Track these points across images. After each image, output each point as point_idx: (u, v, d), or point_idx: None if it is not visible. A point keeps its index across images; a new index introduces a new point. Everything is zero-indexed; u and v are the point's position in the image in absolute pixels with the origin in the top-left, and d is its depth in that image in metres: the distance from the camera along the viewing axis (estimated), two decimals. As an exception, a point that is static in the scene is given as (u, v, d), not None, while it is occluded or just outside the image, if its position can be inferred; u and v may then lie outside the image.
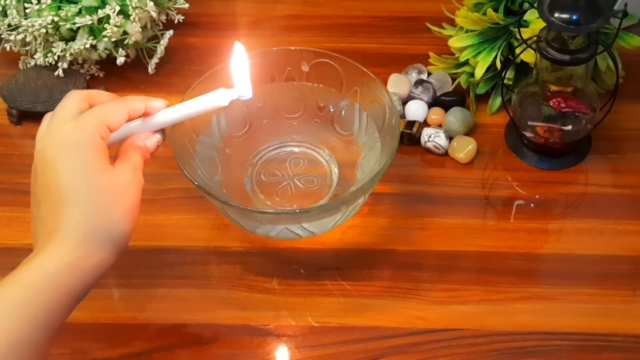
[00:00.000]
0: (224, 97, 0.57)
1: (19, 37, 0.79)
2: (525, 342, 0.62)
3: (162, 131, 0.57)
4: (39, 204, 0.51)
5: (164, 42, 0.83)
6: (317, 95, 0.72)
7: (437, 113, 0.78)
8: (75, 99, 0.54)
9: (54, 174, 0.51)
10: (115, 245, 0.51)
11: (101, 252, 0.51)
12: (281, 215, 0.65)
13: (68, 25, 0.78)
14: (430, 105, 0.78)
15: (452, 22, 0.79)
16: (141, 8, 0.79)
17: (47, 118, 0.54)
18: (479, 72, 0.75)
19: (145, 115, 0.56)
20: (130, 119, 0.55)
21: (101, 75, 0.84)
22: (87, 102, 0.54)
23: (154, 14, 0.81)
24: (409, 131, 0.75)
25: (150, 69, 0.83)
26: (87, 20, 0.77)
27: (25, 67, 0.83)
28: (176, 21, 0.86)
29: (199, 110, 0.58)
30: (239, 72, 0.58)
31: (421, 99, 0.78)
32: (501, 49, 0.74)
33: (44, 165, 0.51)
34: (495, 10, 0.74)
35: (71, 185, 0.50)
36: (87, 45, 0.79)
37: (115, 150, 0.56)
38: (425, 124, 0.77)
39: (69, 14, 0.78)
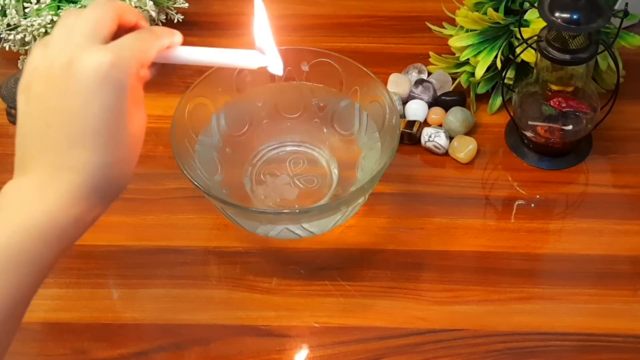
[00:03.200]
0: (254, 60, 0.52)
1: (18, 36, 0.79)
2: (525, 343, 0.62)
3: (160, 65, 0.52)
4: (47, 124, 0.46)
5: (163, 41, 0.83)
6: (317, 95, 0.72)
7: (437, 113, 0.77)
8: (108, 15, 0.47)
9: (81, 107, 0.45)
10: (113, 198, 0.48)
11: (102, 206, 0.47)
12: (281, 215, 0.65)
13: (67, 25, 0.78)
14: (431, 105, 0.78)
15: (452, 22, 0.79)
16: (140, 7, 0.79)
17: (67, 20, 0.48)
18: (480, 72, 0.74)
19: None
20: None
21: (101, 74, 0.83)
22: (118, 22, 0.48)
23: (154, 14, 0.81)
24: (409, 131, 0.75)
25: (150, 68, 0.83)
26: (86, 19, 0.77)
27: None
28: (175, 21, 0.86)
29: (224, 62, 0.53)
30: (265, 38, 0.54)
31: (421, 99, 0.78)
32: (501, 48, 0.74)
33: (68, 88, 0.45)
34: (496, 9, 0.74)
35: (99, 127, 0.45)
36: (87, 45, 0.78)
37: None
38: (425, 123, 0.77)
39: (69, 14, 0.78)
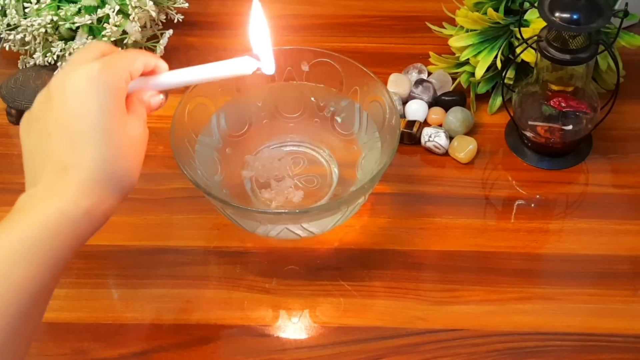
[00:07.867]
0: (247, 66, 0.54)
1: (18, 36, 0.79)
2: (526, 343, 0.62)
3: (165, 93, 0.56)
4: (49, 134, 0.50)
5: (163, 41, 0.83)
6: (317, 95, 0.72)
7: (437, 113, 0.77)
8: (99, 48, 0.53)
9: (77, 109, 0.49)
10: (122, 194, 0.52)
11: (112, 199, 0.51)
12: (281, 215, 0.65)
13: (67, 25, 0.78)
14: (431, 104, 0.78)
15: (452, 22, 0.79)
16: (140, 7, 0.79)
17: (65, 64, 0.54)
18: (480, 72, 0.74)
19: (151, 73, 0.55)
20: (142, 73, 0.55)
21: (101, 74, 0.83)
22: (105, 53, 0.54)
23: (154, 14, 0.81)
24: (409, 131, 0.75)
25: (150, 68, 0.83)
26: (86, 19, 0.77)
27: (24, 67, 0.83)
28: (176, 21, 0.86)
29: (218, 75, 0.56)
30: (260, 40, 0.56)
31: (421, 99, 0.78)
32: (502, 48, 0.74)
33: (64, 96, 0.50)
34: (496, 9, 0.74)
35: (95, 125, 0.49)
36: (87, 45, 0.79)
37: None
38: (425, 123, 0.77)
39: (68, 14, 0.78)
